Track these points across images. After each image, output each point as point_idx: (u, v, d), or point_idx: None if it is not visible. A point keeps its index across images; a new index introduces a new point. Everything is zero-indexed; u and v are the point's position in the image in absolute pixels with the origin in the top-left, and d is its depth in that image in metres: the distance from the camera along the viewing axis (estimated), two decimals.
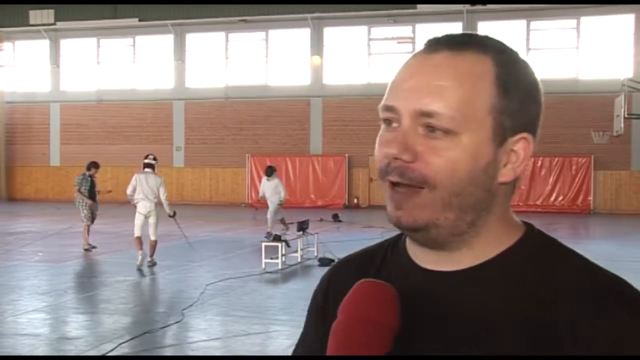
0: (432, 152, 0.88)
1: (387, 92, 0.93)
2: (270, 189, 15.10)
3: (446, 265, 0.94)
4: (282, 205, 15.48)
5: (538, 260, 0.91)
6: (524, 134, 0.91)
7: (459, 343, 0.89)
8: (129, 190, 10.94)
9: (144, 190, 10.79)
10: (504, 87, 0.90)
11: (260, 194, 15.50)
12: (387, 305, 0.88)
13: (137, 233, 10.87)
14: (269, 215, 15.01)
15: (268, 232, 14.06)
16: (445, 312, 0.91)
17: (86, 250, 12.95)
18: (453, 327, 0.90)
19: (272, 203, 15.00)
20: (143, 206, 10.82)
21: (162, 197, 10.97)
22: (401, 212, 0.90)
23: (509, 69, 0.91)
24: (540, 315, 0.86)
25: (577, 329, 0.84)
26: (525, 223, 0.97)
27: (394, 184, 0.90)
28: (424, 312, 0.92)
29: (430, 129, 0.88)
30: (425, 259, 0.96)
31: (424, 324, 0.92)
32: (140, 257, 10.69)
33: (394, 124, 0.91)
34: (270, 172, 15.29)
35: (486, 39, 0.94)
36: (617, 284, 0.89)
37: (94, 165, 13.53)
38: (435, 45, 0.92)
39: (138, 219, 10.90)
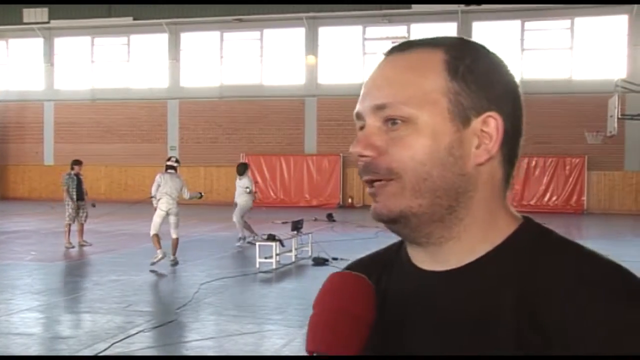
0: (392, 143, 0.90)
1: None
2: (239, 188, 13.83)
3: (437, 263, 0.93)
4: (252, 207, 13.99)
5: (530, 257, 0.89)
6: (490, 113, 0.91)
7: (448, 345, 0.88)
8: (153, 189, 11.28)
9: (167, 188, 11.09)
10: (455, 70, 0.91)
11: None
12: (363, 297, 0.88)
13: (154, 231, 10.94)
14: (235, 218, 13.65)
15: (240, 237, 13.41)
16: (435, 313, 0.90)
17: (67, 248, 13.01)
18: (444, 328, 0.89)
19: (237, 205, 13.69)
20: (165, 202, 11.03)
21: (186, 197, 11.50)
22: (376, 204, 0.93)
23: (461, 55, 0.92)
24: (529, 315, 0.84)
25: (567, 327, 0.82)
26: (524, 217, 0.96)
27: (368, 181, 0.93)
28: (418, 312, 0.92)
29: (391, 122, 0.91)
30: (420, 258, 0.95)
31: (417, 325, 0.92)
32: (160, 255, 10.66)
33: (362, 127, 0.95)
34: (242, 169, 14.03)
35: (438, 37, 0.96)
36: (613, 274, 0.85)
37: (76, 162, 13.60)
38: (390, 51, 0.97)
39: (158, 216, 11.02)
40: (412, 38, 0.99)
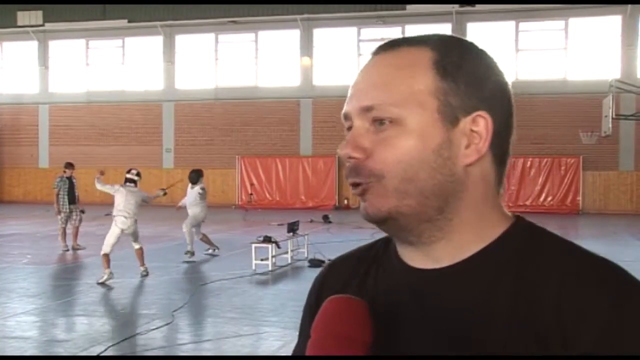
0: (380, 145, 0.89)
1: None
2: (192, 197, 12.48)
3: (429, 261, 0.93)
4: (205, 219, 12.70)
5: (523, 254, 0.89)
6: (480, 112, 0.90)
7: (440, 343, 0.88)
8: (107, 187, 10.43)
9: (126, 205, 10.02)
10: (443, 69, 0.90)
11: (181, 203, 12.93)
12: (359, 321, 0.88)
13: (106, 250, 9.81)
14: (184, 228, 12.32)
15: (188, 251, 12.03)
16: (428, 311, 0.90)
17: (65, 251, 12.97)
18: (435, 327, 0.89)
19: (191, 213, 12.43)
20: (122, 222, 9.97)
21: (149, 201, 10.69)
22: (364, 204, 0.92)
23: (449, 53, 0.91)
24: (523, 313, 0.84)
25: (562, 326, 0.82)
26: (516, 215, 0.96)
27: (354, 184, 0.92)
28: (409, 310, 0.92)
29: (379, 123, 0.90)
30: (410, 256, 0.95)
31: (408, 324, 0.91)
32: (105, 275, 9.64)
33: (350, 128, 0.94)
34: (196, 177, 12.61)
35: (425, 35, 0.95)
36: (606, 271, 0.86)
37: (68, 166, 13.53)
38: (375, 51, 0.95)
39: (112, 236, 9.91)
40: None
